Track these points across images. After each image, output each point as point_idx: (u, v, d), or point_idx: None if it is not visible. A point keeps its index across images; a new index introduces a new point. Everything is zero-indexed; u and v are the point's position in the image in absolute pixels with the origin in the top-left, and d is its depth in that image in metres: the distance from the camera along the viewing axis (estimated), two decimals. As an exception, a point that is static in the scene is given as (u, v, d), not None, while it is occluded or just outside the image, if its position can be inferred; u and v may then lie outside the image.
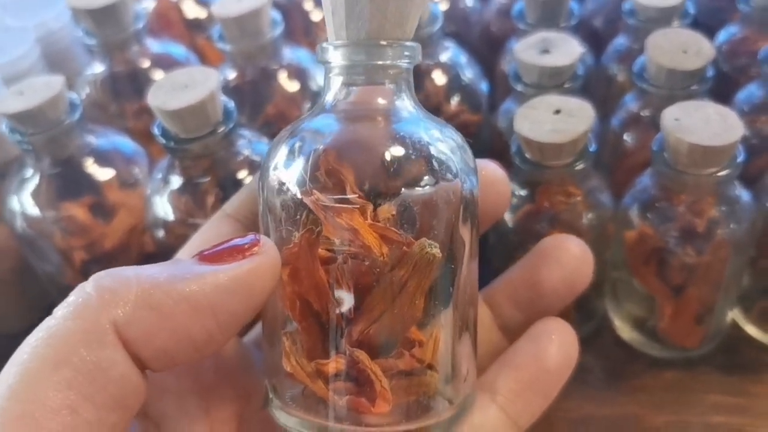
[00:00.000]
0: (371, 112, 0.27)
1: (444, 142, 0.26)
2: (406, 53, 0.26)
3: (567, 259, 0.31)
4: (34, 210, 0.46)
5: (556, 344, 0.29)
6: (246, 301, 0.24)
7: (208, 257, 0.24)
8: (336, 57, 0.26)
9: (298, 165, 0.25)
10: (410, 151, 0.25)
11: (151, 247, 0.47)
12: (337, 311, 0.25)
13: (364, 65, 0.26)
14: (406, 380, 0.25)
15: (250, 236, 0.25)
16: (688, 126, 0.38)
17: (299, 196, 0.25)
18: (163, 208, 0.43)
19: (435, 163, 0.25)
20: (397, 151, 0.25)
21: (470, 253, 0.27)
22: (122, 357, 0.23)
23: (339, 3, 0.25)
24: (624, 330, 0.49)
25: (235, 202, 0.31)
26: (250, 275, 0.24)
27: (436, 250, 0.24)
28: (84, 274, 0.48)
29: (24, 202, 0.46)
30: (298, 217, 0.25)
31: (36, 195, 0.46)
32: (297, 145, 0.26)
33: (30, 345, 0.22)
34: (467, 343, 0.27)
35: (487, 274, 0.32)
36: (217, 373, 0.29)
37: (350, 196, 0.24)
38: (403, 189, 0.25)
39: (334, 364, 0.25)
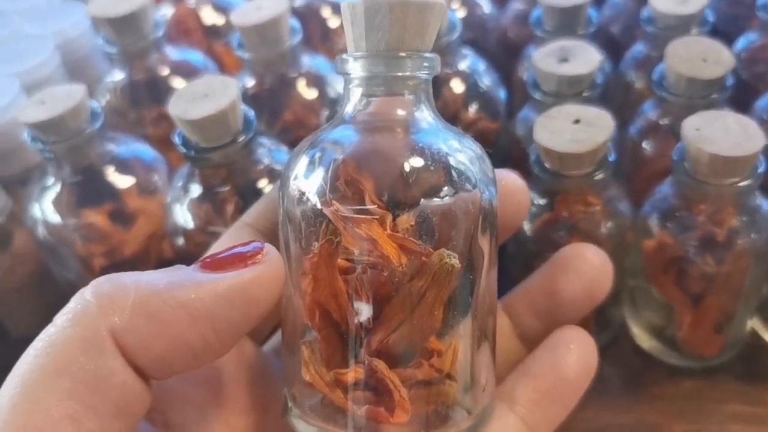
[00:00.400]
0: (390, 123, 0.27)
1: (463, 153, 0.26)
2: (426, 64, 0.26)
3: (586, 268, 0.31)
4: (55, 217, 0.46)
5: (575, 353, 0.29)
6: (245, 311, 0.24)
7: (209, 265, 0.24)
8: (355, 68, 0.26)
9: (318, 175, 0.25)
10: (429, 162, 0.25)
11: (171, 254, 0.48)
12: (356, 321, 0.25)
13: (383, 76, 0.26)
14: (425, 390, 0.25)
15: (254, 244, 0.25)
16: (708, 136, 0.38)
17: (319, 206, 0.25)
18: (183, 216, 0.43)
19: (454, 174, 0.25)
20: (416, 161, 0.25)
21: (489, 263, 0.27)
22: (121, 365, 0.22)
23: (358, 14, 0.25)
24: (642, 338, 0.49)
25: (254, 212, 0.31)
26: (251, 284, 0.24)
27: (455, 261, 0.24)
28: (103, 281, 0.49)
29: (45, 210, 0.46)
30: (318, 227, 0.25)
31: (57, 203, 0.46)
32: (317, 155, 0.26)
33: (30, 355, 0.22)
34: (486, 353, 0.27)
35: (506, 282, 0.32)
36: (236, 383, 0.29)
37: (370, 206, 0.25)
38: (421, 200, 0.25)
39: (353, 373, 0.25)
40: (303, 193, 0.25)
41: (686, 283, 0.43)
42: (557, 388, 0.29)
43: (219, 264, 0.24)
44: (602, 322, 0.49)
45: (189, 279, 0.23)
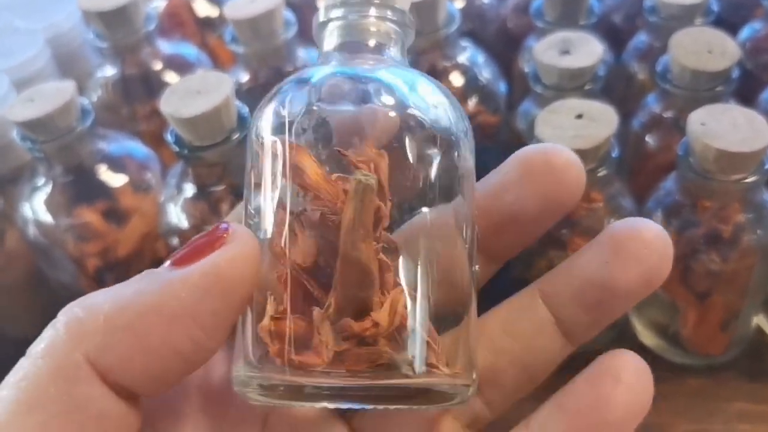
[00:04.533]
0: (359, 71, 0.26)
1: (435, 96, 0.26)
2: (390, 13, 0.26)
3: (646, 253, 0.25)
4: (46, 217, 0.45)
5: (623, 389, 0.24)
6: (227, 297, 0.22)
7: (178, 261, 0.22)
8: (324, 16, 0.26)
9: (277, 114, 0.25)
10: (392, 107, 0.25)
11: (165, 253, 0.47)
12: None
13: (351, 24, 0.26)
14: (363, 349, 0.23)
15: (220, 227, 0.23)
16: (714, 131, 0.37)
17: (277, 142, 0.24)
18: (177, 215, 0.42)
19: (419, 119, 0.24)
20: (380, 105, 0.25)
21: (456, 213, 0.25)
22: (100, 391, 0.21)
23: None
24: (646, 336, 0.48)
25: (234, 216, 0.30)
26: (225, 267, 0.22)
27: (372, 180, 0.22)
28: (98, 281, 0.48)
29: (36, 210, 0.45)
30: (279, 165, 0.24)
31: (48, 202, 0.45)
32: (283, 100, 0.25)
33: (3, 388, 0.21)
34: (457, 320, 0.24)
35: (506, 281, 0.31)
36: (230, 392, 0.28)
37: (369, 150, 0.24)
38: (380, 144, 0.24)
39: (289, 321, 0.23)
40: (262, 135, 0.25)
41: (691, 281, 0.42)
42: (596, 430, 0.24)
43: (187, 257, 0.22)
44: (605, 319, 0.48)
45: (159, 280, 0.22)
